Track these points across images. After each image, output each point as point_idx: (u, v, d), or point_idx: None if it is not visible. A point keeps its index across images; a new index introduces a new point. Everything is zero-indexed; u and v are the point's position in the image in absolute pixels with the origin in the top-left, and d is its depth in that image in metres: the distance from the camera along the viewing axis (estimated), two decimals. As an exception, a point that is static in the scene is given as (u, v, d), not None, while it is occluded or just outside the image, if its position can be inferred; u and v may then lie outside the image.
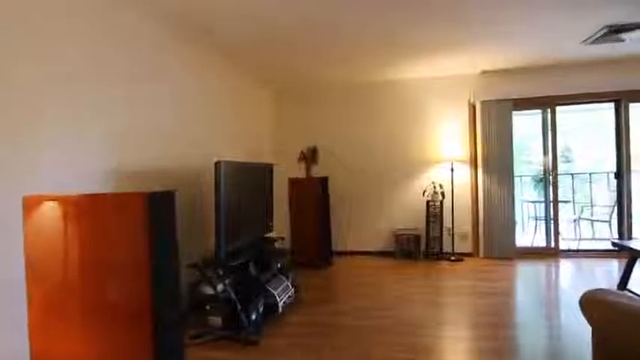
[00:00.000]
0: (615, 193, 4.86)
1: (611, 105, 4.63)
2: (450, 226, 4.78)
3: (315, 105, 5.27)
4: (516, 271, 4.18)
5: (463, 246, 4.84)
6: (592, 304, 1.58)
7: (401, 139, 5.02)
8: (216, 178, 2.66)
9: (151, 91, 2.86)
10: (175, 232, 1.82)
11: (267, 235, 3.65)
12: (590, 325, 1.61)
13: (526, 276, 4.06)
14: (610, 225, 5.13)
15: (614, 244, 3.22)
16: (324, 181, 4.73)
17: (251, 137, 4.63)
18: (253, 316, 2.72)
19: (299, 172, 4.74)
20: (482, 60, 4.32)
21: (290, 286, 3.32)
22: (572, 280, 3.89)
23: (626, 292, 1.39)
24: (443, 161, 4.80)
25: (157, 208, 1.62)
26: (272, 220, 3.73)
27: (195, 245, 3.22)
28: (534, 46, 3.90)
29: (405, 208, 4.99)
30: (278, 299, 3.00)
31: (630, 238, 4.54)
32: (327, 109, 5.23)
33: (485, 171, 4.66)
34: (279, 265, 3.33)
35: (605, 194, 5.61)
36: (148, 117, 2.82)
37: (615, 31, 3.40)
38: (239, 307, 2.65)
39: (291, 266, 4.36)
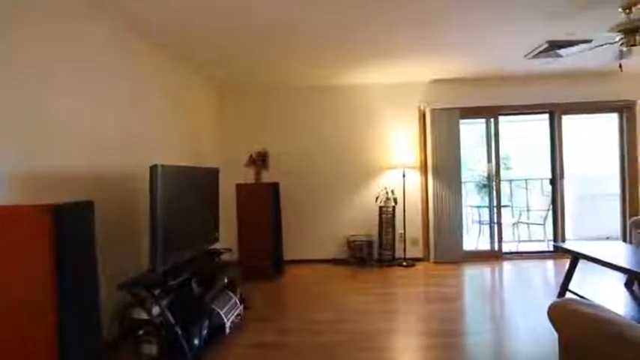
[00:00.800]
0: (549, 198, 5.20)
1: (546, 116, 4.95)
2: (402, 231, 4.77)
3: (266, 107, 5.01)
4: (466, 275, 4.25)
5: (414, 251, 4.86)
6: (562, 315, 1.53)
7: (354, 145, 4.94)
8: (151, 184, 2.31)
9: (69, 78, 2.41)
10: (94, 248, 1.49)
11: (213, 247, 3.32)
12: (560, 335, 1.56)
13: (475, 280, 4.15)
14: (544, 227, 5.48)
15: (556, 247, 3.37)
16: (274, 187, 4.48)
17: (195, 139, 4.25)
18: (196, 341, 2.40)
19: (248, 177, 4.44)
20: (433, 69, 4.39)
21: (238, 303, 3.02)
22: (518, 282, 4.03)
23: (593, 301, 1.35)
24: (395, 167, 4.80)
25: (67, 222, 1.29)
26: (218, 231, 3.41)
27: (129, 262, 2.81)
28: (481, 57, 4.04)
29: (358, 214, 4.91)
30: (225, 319, 2.70)
31: (564, 239, 4.86)
32: (278, 112, 5.00)
33: (435, 177, 4.73)
34: (226, 280, 3.02)
35: (539, 199, 6.01)
36: (66, 111, 2.37)
37: (555, 46, 3.59)
38: (179, 332, 2.31)
39: (240, 280, 4.05)
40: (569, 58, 3.94)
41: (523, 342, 2.60)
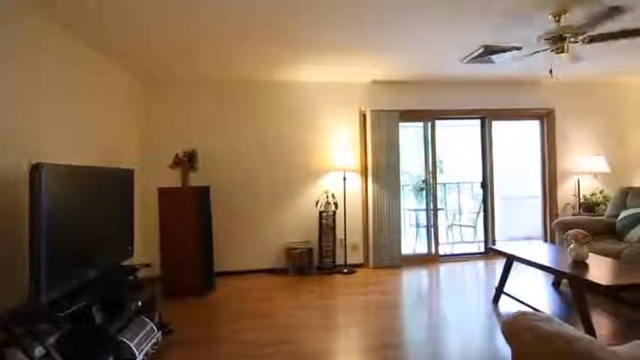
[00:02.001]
0: (479, 201, 5.42)
1: (478, 122, 5.14)
2: (343, 237, 4.60)
3: (195, 102, 4.52)
4: (405, 281, 4.19)
5: (355, 256, 4.71)
6: (516, 332, 1.39)
7: (293, 146, 4.66)
8: (32, 189, 1.80)
9: None
10: None
11: (125, 263, 2.80)
12: (515, 353, 1.43)
13: (415, 285, 4.10)
14: (475, 229, 5.70)
15: (490, 249, 3.40)
16: (204, 192, 4.02)
17: (111, 136, 3.64)
18: (95, 386, 1.92)
19: (173, 180, 3.93)
20: (373, 70, 4.29)
21: (155, 329, 2.56)
22: (455, 286, 4.05)
23: (546, 314, 1.23)
24: (336, 170, 4.61)
25: None
26: (132, 243, 2.89)
27: (9, 288, 2.20)
28: (421, 61, 4.02)
29: (297, 220, 4.63)
30: (136, 352, 2.23)
31: (494, 240, 5.06)
32: (209, 109, 4.54)
33: (375, 180, 4.64)
34: (139, 303, 2.54)
35: (470, 202, 6.27)
36: None
37: (490, 51, 3.66)
38: (70, 377, 1.82)
39: (162, 299, 3.53)
40: (502, 65, 4.09)
41: (467, 352, 2.51)
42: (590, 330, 2.35)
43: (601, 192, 4.91)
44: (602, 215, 4.77)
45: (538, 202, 5.27)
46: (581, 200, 4.99)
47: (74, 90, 3.02)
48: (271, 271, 4.52)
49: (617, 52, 4.01)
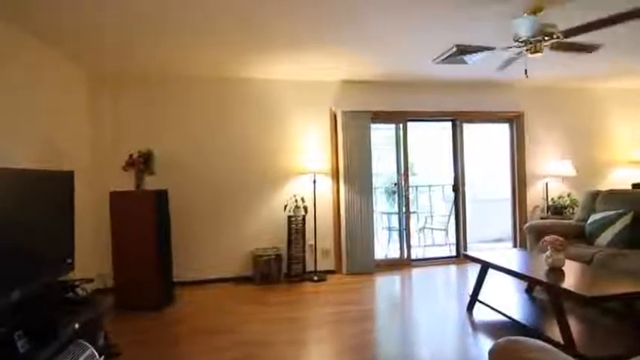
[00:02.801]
0: (450, 204, 5.37)
1: (449, 124, 5.07)
2: (313, 242, 4.38)
3: (154, 99, 4.16)
4: (378, 288, 4.04)
5: (326, 263, 4.50)
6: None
7: (260, 147, 4.39)
8: None
9: None
10: None
11: (63, 278, 2.44)
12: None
13: (388, 293, 3.95)
14: (447, 232, 5.64)
15: (465, 256, 3.29)
16: (162, 195, 3.68)
17: (52, 134, 3.23)
18: None
19: (126, 183, 3.56)
20: (344, 68, 4.11)
21: (97, 355, 2.22)
22: (429, 292, 3.92)
23: (536, 341, 1.05)
24: (305, 173, 4.38)
25: None
26: (72, 256, 2.53)
27: None
28: (392, 60, 3.89)
29: (265, 226, 4.36)
30: (69, 386, 1.90)
31: (466, 243, 5.01)
32: (170, 106, 4.19)
33: (347, 183, 4.46)
34: (76, 326, 2.20)
35: (441, 205, 6.23)
36: None
37: (462, 51, 3.57)
38: None
39: (110, 317, 3.16)
40: (474, 67, 4.03)
41: (444, 367, 2.36)
42: (569, 340, 2.26)
43: (569, 195, 4.97)
44: (569, 218, 4.82)
45: (508, 205, 5.28)
46: (550, 203, 5.04)
47: (7, 87, 2.63)
48: (236, 280, 4.22)
49: (583, 58, 4.04)
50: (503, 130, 5.24)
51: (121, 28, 2.89)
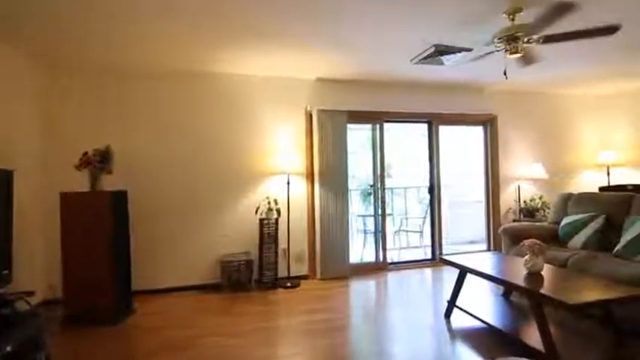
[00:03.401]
0: (425, 206, 5.32)
1: (425, 125, 5.01)
2: (286, 246, 4.17)
3: (113, 93, 3.83)
4: (354, 294, 3.88)
5: (299, 268, 4.31)
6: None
7: (230, 146, 4.14)
8: None
9: None
10: None
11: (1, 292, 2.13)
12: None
13: (364, 299, 3.80)
14: (422, 234, 5.59)
15: (443, 260, 3.20)
16: (121, 197, 3.37)
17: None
18: None
19: (80, 183, 3.22)
20: (320, 66, 3.94)
21: (34, 381, 1.93)
22: (405, 298, 3.80)
23: None
24: (279, 173, 4.18)
25: None
26: (9, 266, 2.21)
27: None
28: (370, 59, 3.76)
29: (235, 230, 4.11)
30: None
31: (441, 246, 4.96)
32: (131, 101, 3.88)
33: (322, 185, 4.28)
34: (8, 349, 1.89)
35: (416, 207, 6.18)
36: None
37: (441, 52, 3.49)
38: None
39: (54, 333, 2.82)
40: (450, 69, 3.98)
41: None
42: (551, 349, 2.18)
43: (540, 198, 5.03)
44: (541, 220, 4.88)
45: (482, 207, 5.29)
46: (522, 205, 5.08)
47: None
48: (203, 288, 3.95)
49: (554, 64, 4.10)
50: (477, 132, 5.25)
51: (71, 12, 2.58)
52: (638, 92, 5.06)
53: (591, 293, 2.22)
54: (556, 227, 3.85)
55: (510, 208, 5.15)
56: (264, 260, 4.00)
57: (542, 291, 2.22)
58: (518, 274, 2.66)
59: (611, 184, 5.19)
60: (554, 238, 3.77)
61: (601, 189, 5.02)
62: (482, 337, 2.72)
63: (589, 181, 5.39)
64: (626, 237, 3.14)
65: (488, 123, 5.13)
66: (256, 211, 3.99)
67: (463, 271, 3.02)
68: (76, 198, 3.16)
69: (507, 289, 3.31)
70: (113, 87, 3.82)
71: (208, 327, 3.00)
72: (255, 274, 4.00)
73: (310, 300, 3.64)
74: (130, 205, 3.47)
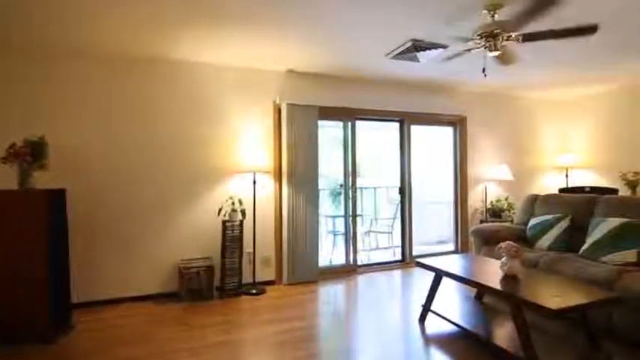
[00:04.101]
0: (395, 206, 5.23)
1: (396, 124, 4.91)
2: (252, 250, 3.89)
3: (49, 77, 3.35)
4: (323, 300, 3.68)
5: (265, 273, 4.03)
6: None
7: (191, 141, 3.79)
8: None
9: None
10: None
11: None
12: None
13: (334, 305, 3.60)
14: (392, 236, 5.50)
15: (418, 263, 3.07)
16: (57, 196, 2.93)
17: None
18: None
19: (5, 180, 2.76)
20: (291, 56, 3.70)
21: None
22: (377, 304, 3.64)
23: None
24: (244, 172, 3.88)
25: None
26: None
27: None
28: (344, 52, 3.58)
29: (195, 233, 3.77)
30: None
31: (411, 247, 4.88)
32: (72, 87, 3.41)
33: (291, 184, 4.04)
34: None
35: (386, 207, 6.09)
36: None
37: (417, 47, 3.37)
38: None
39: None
40: (424, 67, 3.89)
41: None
42: (530, 351, 2.09)
43: (506, 199, 5.10)
44: (506, 221, 4.94)
45: (450, 207, 5.29)
46: (488, 206, 5.13)
47: None
48: (159, 298, 3.58)
49: (522, 67, 4.14)
50: (447, 133, 5.23)
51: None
52: (595, 97, 5.27)
53: (571, 297, 2.16)
54: (524, 228, 3.87)
55: (477, 209, 5.18)
56: (227, 265, 3.69)
57: (525, 296, 2.13)
58: (495, 277, 2.58)
59: (570, 186, 5.38)
60: (522, 239, 3.78)
61: (561, 190, 5.18)
62: (459, 342, 2.62)
63: (550, 183, 5.56)
64: (591, 238, 3.17)
65: (458, 123, 5.13)
66: (218, 213, 3.67)
67: (439, 275, 2.91)
68: (1, 197, 2.69)
69: (479, 292, 3.24)
70: (50, 71, 3.35)
71: (162, 343, 2.67)
72: (216, 281, 3.68)
73: (277, 308, 3.39)
74: (71, 206, 3.04)
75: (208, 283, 3.60)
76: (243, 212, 3.70)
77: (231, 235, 3.70)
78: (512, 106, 5.48)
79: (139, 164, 3.59)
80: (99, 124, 3.47)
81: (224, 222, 3.69)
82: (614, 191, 4.46)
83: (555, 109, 5.70)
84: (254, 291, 3.73)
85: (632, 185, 4.61)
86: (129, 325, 3.00)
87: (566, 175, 5.51)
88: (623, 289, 2.46)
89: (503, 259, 2.61)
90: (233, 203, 3.69)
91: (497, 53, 2.76)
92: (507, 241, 2.64)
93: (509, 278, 2.54)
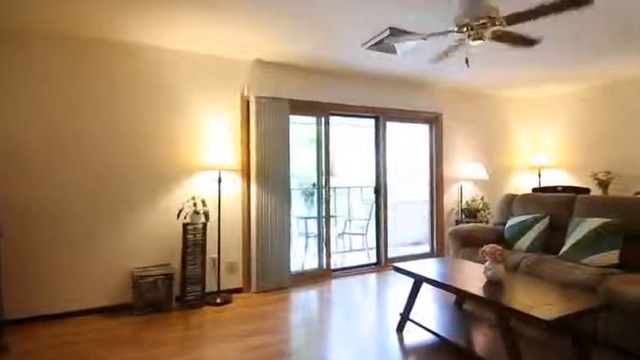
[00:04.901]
0: (369, 207, 5.04)
1: (371, 121, 4.72)
2: (216, 255, 3.56)
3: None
4: (295, 309, 3.41)
5: (232, 280, 3.72)
6: None
7: (148, 136, 3.41)
8: None
9: None
10: None
11: None
12: None
13: (307, 315, 3.33)
14: (366, 237, 5.31)
15: (397, 269, 2.86)
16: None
17: None
18: None
19: None
20: (261, 44, 3.40)
21: None
22: (353, 310, 3.42)
23: None
24: (208, 169, 3.54)
25: None
26: None
27: None
28: (319, 41, 3.33)
29: (152, 236, 3.39)
30: None
31: (387, 249, 4.70)
32: (13, 76, 2.96)
33: (260, 183, 3.74)
34: None
35: (360, 208, 5.90)
36: None
37: (396, 35, 3.17)
38: None
39: None
40: (401, 62, 3.70)
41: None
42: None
43: (482, 198, 5.02)
44: (482, 221, 4.86)
45: (424, 207, 5.16)
46: (464, 206, 5.04)
47: None
48: (110, 311, 3.18)
49: (499, 65, 4.07)
50: (423, 130, 5.10)
51: None
52: (567, 97, 5.30)
53: (563, 305, 2.00)
54: (502, 229, 3.77)
55: (453, 209, 5.08)
56: (188, 273, 3.35)
57: (515, 306, 1.95)
58: (479, 283, 2.41)
59: (542, 185, 5.38)
60: (500, 240, 3.67)
61: (534, 190, 5.17)
62: (439, 354, 2.44)
63: (523, 183, 5.56)
64: (571, 239, 3.08)
65: (434, 121, 5.00)
66: (178, 215, 3.31)
67: (418, 281, 2.71)
68: None
69: (459, 298, 3.08)
70: (-20, 51, 2.89)
71: (108, 367, 2.31)
72: (176, 290, 3.32)
73: (244, 319, 3.09)
74: (5, 210, 2.61)
75: (167, 293, 3.24)
76: (206, 214, 3.36)
77: (193, 240, 3.36)
78: (486, 104, 5.42)
79: (87, 161, 3.18)
80: (38, 116, 3.03)
81: (185, 225, 3.34)
82: (586, 191, 4.47)
83: (527, 108, 5.71)
84: (219, 300, 3.41)
85: (603, 185, 4.64)
86: (72, 345, 2.61)
87: (539, 175, 5.52)
88: (608, 294, 2.35)
89: (487, 264, 2.45)
90: (195, 204, 3.35)
91: (480, 42, 2.59)
92: (491, 245, 2.48)
93: (493, 284, 2.38)
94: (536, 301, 2.08)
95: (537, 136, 5.68)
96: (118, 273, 3.24)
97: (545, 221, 3.44)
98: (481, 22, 2.45)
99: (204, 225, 3.40)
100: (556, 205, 3.48)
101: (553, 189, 4.82)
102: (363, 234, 5.31)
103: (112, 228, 3.25)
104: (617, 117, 4.74)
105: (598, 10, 2.75)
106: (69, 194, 3.11)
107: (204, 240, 3.40)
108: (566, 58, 3.89)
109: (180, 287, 3.34)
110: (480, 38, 2.54)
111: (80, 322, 3.00)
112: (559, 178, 5.36)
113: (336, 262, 4.73)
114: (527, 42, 2.77)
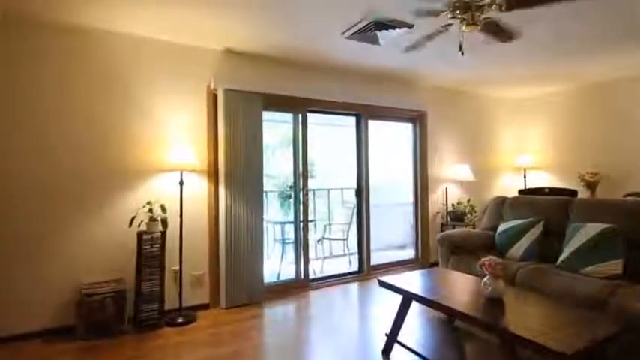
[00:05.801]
0: (350, 210, 4.71)
1: (352, 119, 4.39)
2: (178, 267, 3.13)
3: None
4: (269, 326, 3.03)
5: (198, 295, 3.30)
6: None
7: (100, 132, 2.95)
8: None
9: None
10: None
11: None
12: None
13: (282, 334, 2.94)
14: (347, 242, 4.97)
15: (383, 284, 2.53)
16: None
17: None
18: None
19: None
20: (231, 31, 3.01)
21: None
22: (333, 328, 3.05)
23: None
24: (167, 170, 3.12)
25: None
26: None
27: None
28: (292, 28, 2.98)
29: (99, 249, 2.93)
30: None
31: (369, 254, 4.37)
32: None
33: (229, 185, 3.34)
34: None
35: (341, 211, 5.56)
36: None
37: (378, 24, 2.85)
38: None
39: None
40: (383, 55, 3.38)
41: None
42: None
43: (468, 201, 4.78)
44: (469, 225, 4.62)
45: (408, 210, 4.88)
46: (450, 209, 4.79)
47: None
48: (50, 335, 2.71)
49: (485, 64, 3.87)
50: (407, 130, 4.81)
51: None
52: (552, 97, 5.15)
53: (578, 330, 1.71)
54: (492, 234, 3.51)
55: (439, 212, 4.82)
56: (143, 289, 2.90)
57: (524, 333, 1.64)
58: (477, 300, 2.11)
59: (528, 187, 5.21)
60: (490, 246, 3.41)
61: (520, 192, 4.98)
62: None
63: (509, 184, 5.37)
64: (570, 247, 2.84)
65: (418, 119, 4.73)
66: (130, 223, 2.86)
67: (407, 298, 2.38)
68: None
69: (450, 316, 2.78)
70: None
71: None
72: (129, 309, 2.88)
73: (210, 342, 2.68)
74: None
75: (118, 313, 2.80)
76: (164, 221, 2.93)
77: (150, 250, 2.92)
78: (471, 103, 5.20)
79: (24, 161, 2.69)
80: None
81: (139, 234, 2.89)
82: (574, 193, 4.28)
83: (512, 108, 5.53)
84: (180, 320, 2.98)
85: (590, 186, 4.48)
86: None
87: (524, 176, 5.34)
88: (620, 311, 2.09)
89: (486, 279, 2.15)
90: (151, 210, 2.91)
91: (474, 29, 2.30)
92: (490, 257, 2.19)
93: (493, 302, 2.08)
94: (546, 325, 1.79)
95: (522, 137, 5.50)
96: (62, 290, 2.77)
97: (540, 226, 3.19)
98: (482, 2, 2.16)
99: (163, 233, 2.96)
100: (551, 209, 3.24)
101: (540, 191, 4.63)
102: (344, 239, 4.96)
103: (57, 238, 2.77)
104: (603, 118, 4.61)
105: (583, 10, 2.58)
106: (8, 200, 2.62)
107: (162, 250, 2.96)
108: (551, 58, 3.75)
109: (134, 305, 2.90)
110: (475, 24, 2.25)
111: (14, 348, 2.52)
112: (544, 179, 5.19)
113: (315, 270, 4.37)
114: (506, 36, 2.57)
